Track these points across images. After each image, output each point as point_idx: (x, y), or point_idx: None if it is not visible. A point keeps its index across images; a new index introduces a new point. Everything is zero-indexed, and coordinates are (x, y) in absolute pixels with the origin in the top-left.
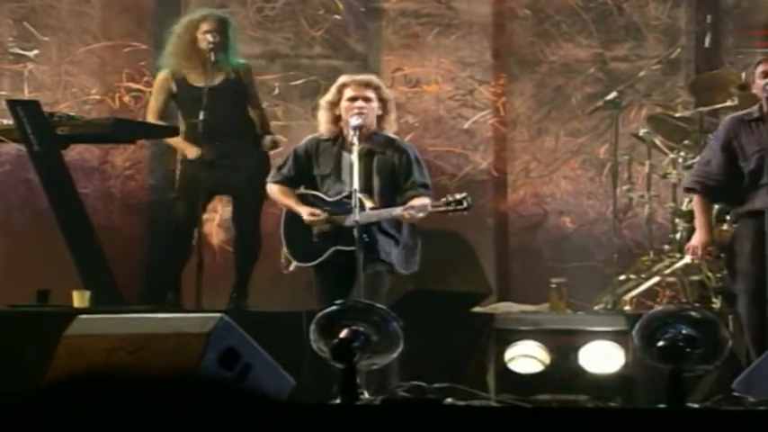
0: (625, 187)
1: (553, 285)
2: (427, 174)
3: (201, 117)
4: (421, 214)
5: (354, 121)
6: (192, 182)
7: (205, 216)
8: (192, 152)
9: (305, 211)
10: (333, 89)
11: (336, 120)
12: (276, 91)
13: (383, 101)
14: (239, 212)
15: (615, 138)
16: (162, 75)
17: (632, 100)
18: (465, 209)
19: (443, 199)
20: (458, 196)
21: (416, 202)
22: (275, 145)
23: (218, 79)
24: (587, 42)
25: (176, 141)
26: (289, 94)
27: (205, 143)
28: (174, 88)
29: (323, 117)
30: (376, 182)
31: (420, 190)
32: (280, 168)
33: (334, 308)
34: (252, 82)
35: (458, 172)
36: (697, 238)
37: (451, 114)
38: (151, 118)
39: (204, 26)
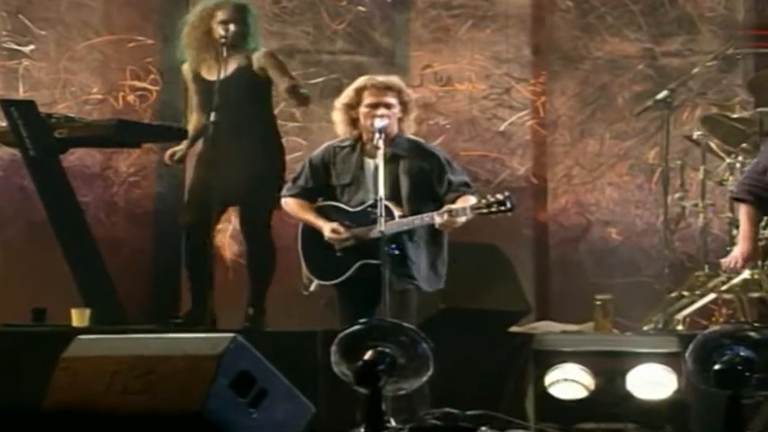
0: (677, 195)
1: (598, 303)
2: (462, 171)
3: (212, 118)
4: (461, 218)
5: (379, 122)
6: (204, 190)
7: (219, 226)
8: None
9: (326, 228)
10: (349, 91)
11: (354, 122)
12: None
13: (405, 102)
14: (247, 222)
15: (666, 141)
16: (185, 67)
17: (685, 99)
18: (509, 209)
19: (483, 200)
20: (499, 196)
21: (461, 202)
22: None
23: (230, 69)
24: (635, 36)
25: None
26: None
27: (215, 146)
28: (191, 81)
29: (339, 119)
30: (404, 188)
31: (462, 188)
32: (295, 180)
33: (357, 327)
34: (270, 65)
35: (493, 178)
36: (739, 249)
37: (486, 115)
38: (195, 117)
39: (220, 14)
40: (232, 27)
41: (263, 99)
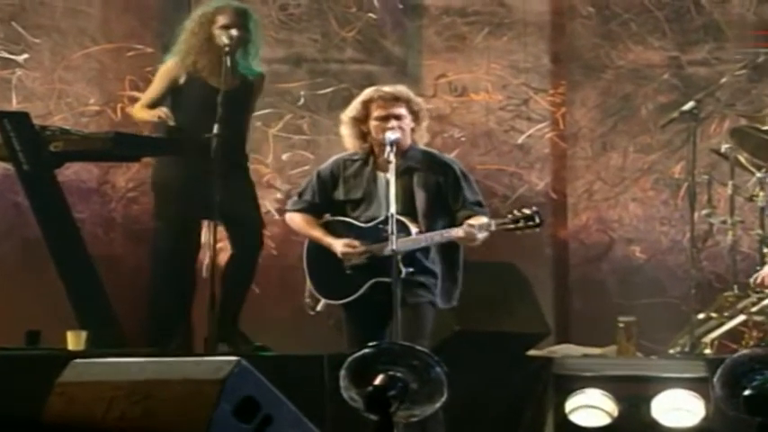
0: (704, 211)
1: (621, 325)
2: (478, 190)
3: (216, 131)
4: (482, 234)
5: (391, 135)
6: (185, 204)
7: (219, 245)
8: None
9: (338, 244)
10: (356, 104)
11: (363, 136)
12: (301, 101)
13: (415, 112)
14: (239, 240)
15: (693, 154)
16: (170, 61)
17: (712, 110)
18: (537, 225)
19: (510, 215)
20: (526, 211)
21: (473, 221)
22: None
23: (234, 84)
24: (660, 44)
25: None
26: (316, 105)
27: (215, 159)
28: (182, 81)
29: (347, 132)
30: (419, 202)
31: (475, 208)
32: (301, 194)
33: (367, 350)
34: (259, 94)
35: (510, 193)
36: None
37: (503, 127)
38: (139, 109)
39: (221, 19)
40: (234, 32)
41: (247, 117)
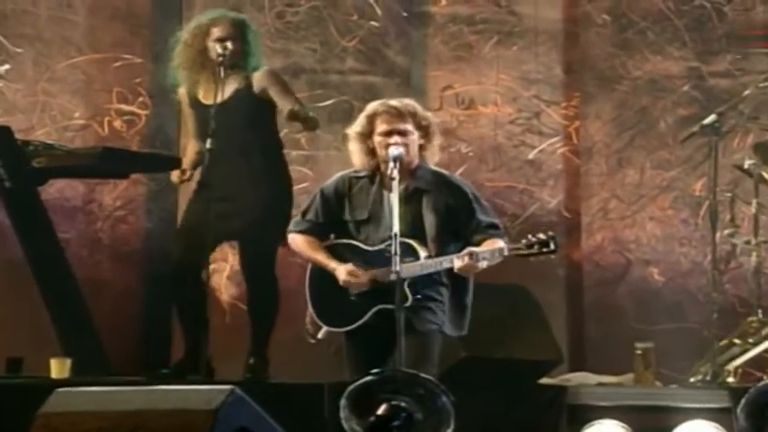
0: (726, 231)
1: (638, 352)
2: (492, 211)
3: (209, 145)
4: (483, 263)
5: (394, 150)
6: (198, 223)
7: (212, 266)
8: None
9: (341, 271)
10: (362, 119)
11: (371, 152)
12: None
13: (423, 128)
14: (249, 260)
15: (714, 170)
16: (181, 91)
17: (735, 124)
18: (552, 251)
19: (524, 240)
20: (542, 236)
21: (488, 246)
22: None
23: (228, 92)
24: (680, 54)
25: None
26: None
27: (211, 175)
28: (188, 105)
29: (354, 148)
30: (429, 226)
31: (490, 231)
32: (304, 214)
33: (369, 378)
34: (272, 85)
35: (521, 212)
36: None
37: (513, 142)
38: (192, 147)
39: (216, 31)
40: (230, 45)
41: (266, 124)
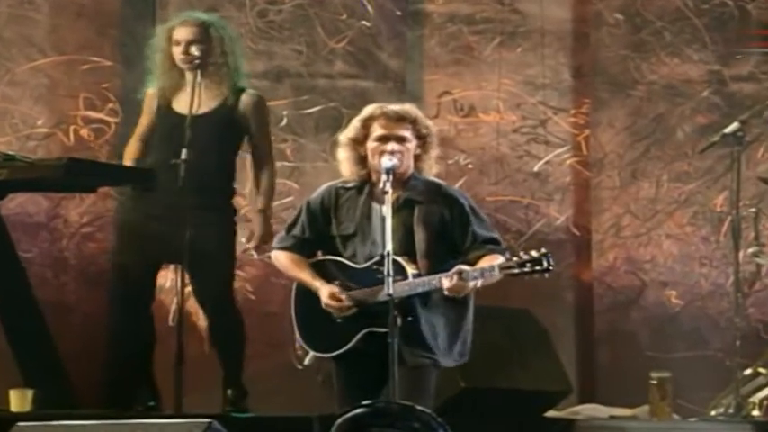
0: (750, 250)
1: (654, 382)
2: (490, 225)
3: (184, 156)
4: (472, 283)
5: (387, 161)
6: (143, 238)
7: (187, 289)
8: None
9: (324, 292)
10: (355, 123)
11: (362, 160)
12: (284, 121)
13: (423, 137)
14: (204, 287)
15: (737, 184)
16: (150, 90)
17: (760, 133)
18: (545, 270)
19: (515, 258)
20: (534, 253)
21: (487, 262)
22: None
23: (209, 105)
24: (699, 56)
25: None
26: (301, 126)
27: (180, 189)
28: (155, 110)
29: (343, 156)
30: (419, 240)
31: (489, 246)
32: (289, 229)
33: (361, 410)
34: (260, 118)
35: (525, 229)
36: None
37: (517, 153)
38: (132, 146)
39: (177, 35)
40: (194, 50)
41: (233, 148)
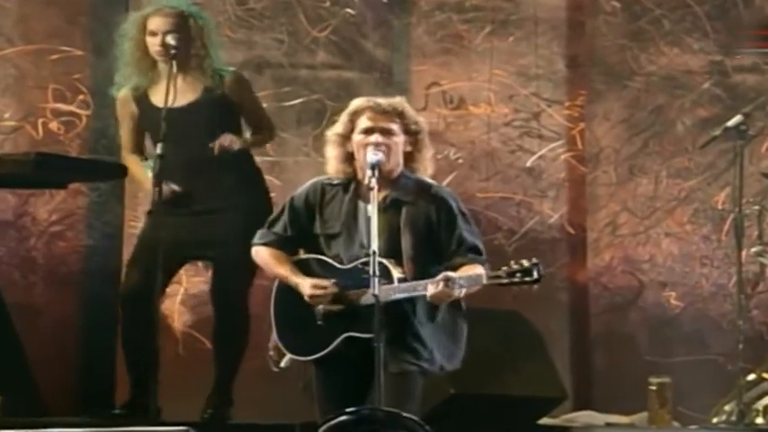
0: (754, 249)
1: (653, 387)
2: (477, 232)
3: (159, 151)
4: (457, 291)
5: (372, 156)
6: (156, 242)
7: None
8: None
9: (306, 285)
10: (343, 117)
11: (350, 157)
12: None
13: (412, 133)
14: (220, 284)
15: (740, 180)
16: (121, 95)
17: (764, 127)
18: (535, 281)
19: (504, 267)
20: (525, 263)
21: (466, 272)
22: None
23: (186, 97)
24: (700, 46)
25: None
26: (282, 119)
27: (166, 186)
28: (136, 109)
29: (331, 154)
30: (406, 242)
31: (470, 255)
32: (271, 225)
33: (344, 417)
34: (247, 97)
35: (517, 228)
36: None
37: (509, 147)
38: (126, 155)
39: (151, 24)
40: (171, 39)
41: (234, 130)
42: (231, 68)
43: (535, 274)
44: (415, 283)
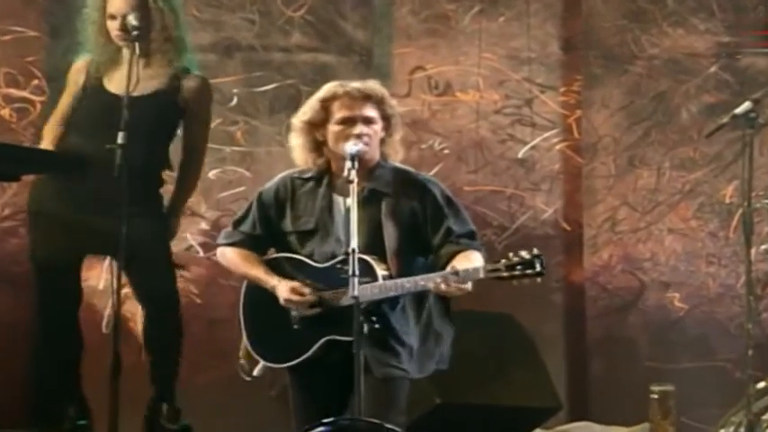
0: (764, 246)
1: (654, 396)
2: (468, 218)
3: (120, 140)
4: (465, 285)
5: (353, 146)
6: (64, 229)
7: (124, 291)
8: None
9: (283, 289)
10: (313, 104)
11: (319, 146)
12: (234, 101)
13: (388, 117)
14: (144, 280)
15: (749, 172)
16: (79, 63)
17: None
18: (538, 274)
19: (504, 260)
20: (525, 255)
21: (461, 262)
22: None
23: (147, 87)
24: (706, 27)
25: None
26: (253, 106)
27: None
28: (81, 85)
29: (297, 143)
30: (388, 237)
31: (464, 241)
32: (237, 224)
33: (322, 428)
34: (201, 111)
35: (508, 224)
36: None
37: (499, 136)
38: (53, 129)
39: (112, 7)
40: (132, 19)
41: (169, 133)
42: (198, 73)
43: (538, 267)
44: (409, 279)
